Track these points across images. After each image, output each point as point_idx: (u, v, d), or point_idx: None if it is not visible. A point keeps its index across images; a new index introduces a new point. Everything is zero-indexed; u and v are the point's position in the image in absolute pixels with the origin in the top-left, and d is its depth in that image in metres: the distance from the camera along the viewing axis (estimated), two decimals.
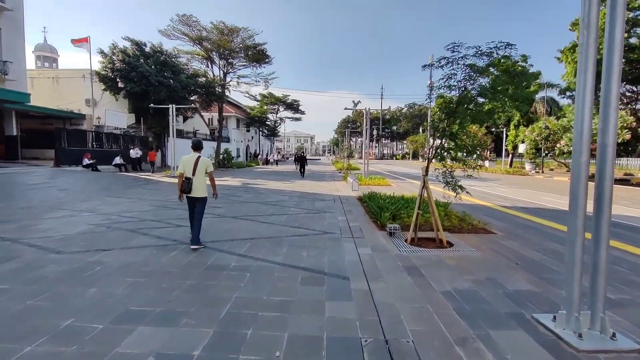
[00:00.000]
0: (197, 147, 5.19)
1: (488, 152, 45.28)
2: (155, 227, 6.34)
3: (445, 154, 5.60)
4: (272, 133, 56.08)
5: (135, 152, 21.28)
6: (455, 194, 5.45)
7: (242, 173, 23.04)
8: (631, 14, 23.60)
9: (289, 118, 58.85)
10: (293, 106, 55.48)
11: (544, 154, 24.51)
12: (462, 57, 4.91)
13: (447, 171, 5.54)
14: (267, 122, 54.35)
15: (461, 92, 5.23)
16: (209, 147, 27.60)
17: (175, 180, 6.40)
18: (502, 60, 5.26)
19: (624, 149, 28.30)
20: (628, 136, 18.39)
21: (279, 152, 53.33)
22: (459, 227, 6.61)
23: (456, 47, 4.78)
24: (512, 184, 17.40)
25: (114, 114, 22.42)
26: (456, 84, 5.14)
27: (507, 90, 5.31)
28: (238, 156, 44.83)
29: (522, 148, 30.56)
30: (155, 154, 26.43)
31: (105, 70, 22.58)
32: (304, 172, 19.40)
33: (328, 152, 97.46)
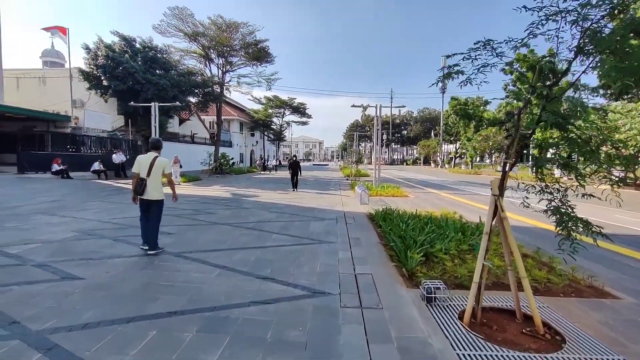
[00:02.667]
0: (155, 146, 4.91)
1: None
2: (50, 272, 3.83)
3: (553, 155, 2.97)
4: (278, 138, 53.79)
5: (118, 157, 19.06)
6: (572, 239, 2.76)
7: (238, 180, 20.60)
8: None
9: (295, 122, 56.56)
10: (299, 110, 53.18)
11: (582, 159, 21.35)
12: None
13: (554, 189, 2.89)
14: (272, 126, 52.16)
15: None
16: (203, 151, 25.34)
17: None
18: None
19: None
20: None
21: (275, 158, 50.44)
22: (544, 281, 3.90)
23: None
24: None
25: (95, 115, 20.32)
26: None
27: None
28: (241, 161, 42.61)
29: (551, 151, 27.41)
30: None
31: (89, 68, 20.61)
32: (297, 183, 14.40)
33: (337, 158, 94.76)
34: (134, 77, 19.89)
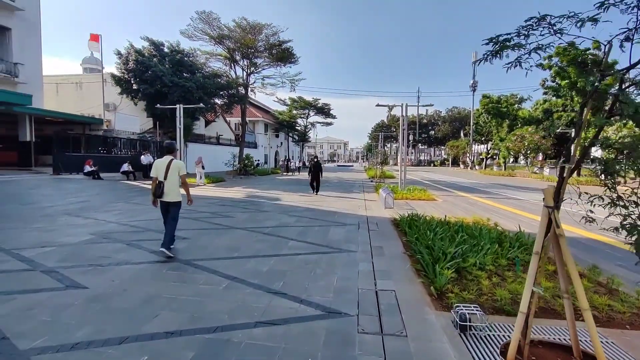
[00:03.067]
0: (169, 149, 5.01)
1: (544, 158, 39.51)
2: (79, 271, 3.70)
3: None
4: (303, 138, 53.81)
5: (146, 159, 19.55)
6: None
7: (260, 182, 20.57)
8: None
9: (319, 123, 56.38)
10: (324, 110, 52.94)
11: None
12: None
13: (630, 202, 2.31)
14: (296, 127, 52.27)
15: None
16: (228, 152, 25.63)
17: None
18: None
19: None
20: None
21: (298, 159, 49.55)
22: (605, 309, 3.25)
23: None
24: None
25: (125, 118, 21.03)
26: None
27: None
28: (265, 162, 42.94)
29: (598, 152, 25.27)
30: None
31: (121, 72, 21.41)
32: (318, 187, 13.35)
33: (362, 158, 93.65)
34: (161, 80, 20.41)
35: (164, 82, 20.34)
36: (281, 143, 54.36)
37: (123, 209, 9.05)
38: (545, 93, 32.88)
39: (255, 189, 15.36)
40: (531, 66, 2.53)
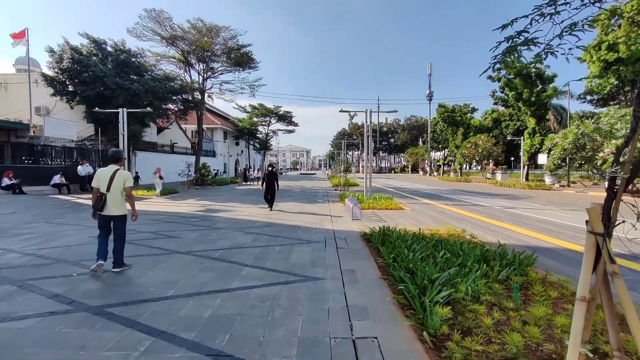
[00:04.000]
0: (115, 158, 4.66)
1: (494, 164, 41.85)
2: None
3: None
4: (264, 146, 52.35)
5: (84, 169, 17.29)
6: None
7: (217, 193, 19.07)
8: None
9: (281, 130, 55.37)
10: (286, 118, 52.07)
11: (576, 165, 20.85)
12: None
13: None
14: (257, 135, 50.74)
15: None
16: (183, 161, 23.69)
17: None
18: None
19: None
20: None
21: (256, 168, 47.24)
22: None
23: None
24: (555, 203, 13.59)
25: (58, 123, 18.51)
26: None
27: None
28: (224, 172, 40.89)
29: (543, 158, 26.94)
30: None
31: (55, 72, 18.87)
32: (272, 201, 11.32)
33: (324, 166, 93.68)
34: (102, 82, 18.29)
35: (106, 83, 18.23)
36: (242, 151, 52.45)
37: (38, 231, 7.39)
38: (495, 103, 34.81)
39: (211, 202, 13.96)
40: (570, 49, 1.89)
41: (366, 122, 13.88)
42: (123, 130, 14.54)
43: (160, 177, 17.27)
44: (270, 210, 11.05)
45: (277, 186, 11.52)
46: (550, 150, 20.44)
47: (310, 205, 12.84)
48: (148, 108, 16.63)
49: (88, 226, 7.93)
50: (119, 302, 3.55)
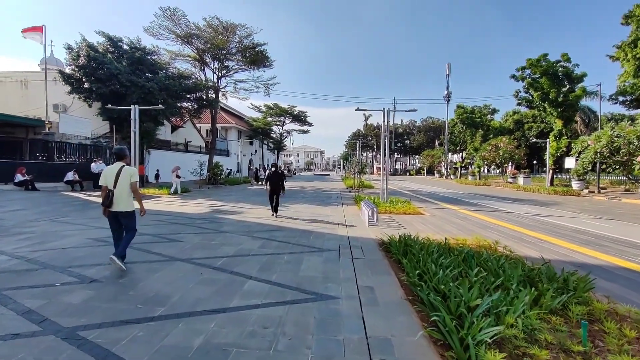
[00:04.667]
0: (119, 156, 4.69)
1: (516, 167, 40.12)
2: None
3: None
4: (278, 146, 52.16)
5: (97, 166, 17.21)
6: None
7: (229, 193, 18.72)
8: None
9: (295, 131, 55.17)
10: (300, 118, 51.81)
11: (608, 170, 19.46)
12: None
13: None
14: (272, 135, 50.59)
15: None
16: (197, 160, 23.49)
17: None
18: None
19: None
20: None
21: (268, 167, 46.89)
22: None
23: None
24: (588, 211, 12.49)
25: (72, 120, 18.56)
26: None
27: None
28: (238, 171, 40.78)
29: (570, 162, 25.43)
30: (143, 167, 22.49)
31: (71, 69, 18.98)
32: (277, 206, 9.88)
33: (338, 167, 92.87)
34: (117, 79, 18.24)
35: (121, 81, 18.17)
36: (255, 151, 52.39)
37: (40, 230, 7.06)
38: (518, 104, 33.26)
39: (221, 202, 13.55)
40: None
41: (383, 121, 13.17)
42: (135, 128, 14.35)
43: (178, 176, 17.46)
44: (276, 216, 9.72)
45: (284, 189, 10.04)
46: (580, 153, 19.10)
47: (324, 207, 12.23)
48: (160, 105, 16.33)
49: (92, 226, 7.58)
50: (97, 322, 3.03)
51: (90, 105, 20.28)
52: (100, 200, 4.65)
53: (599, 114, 37.15)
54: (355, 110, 14.30)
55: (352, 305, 3.58)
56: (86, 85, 18.60)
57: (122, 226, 4.62)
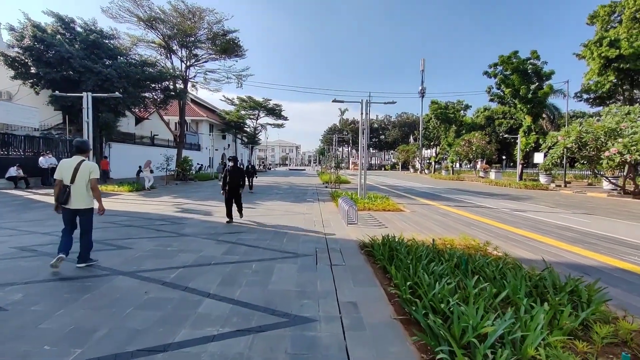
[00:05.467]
0: (80, 149, 4.38)
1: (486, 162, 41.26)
2: None
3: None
4: (252, 141, 50.56)
5: (46, 161, 15.49)
6: None
7: (198, 189, 17.51)
8: None
9: (270, 124, 53.71)
10: (275, 111, 50.41)
11: (576, 164, 20.03)
12: None
13: None
14: (245, 129, 48.92)
15: None
16: (163, 154, 21.90)
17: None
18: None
19: None
20: None
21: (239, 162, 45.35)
22: None
23: None
24: (562, 205, 12.59)
25: (15, 109, 16.59)
26: None
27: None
28: (209, 166, 39.08)
29: (538, 157, 26.21)
30: (107, 162, 20.77)
31: (16, 52, 16.87)
32: (240, 208, 8.28)
33: (314, 162, 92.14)
34: (69, 64, 16.44)
35: (73, 66, 16.38)
36: (228, 145, 50.57)
37: None
38: (491, 100, 33.92)
39: (188, 199, 12.45)
40: None
41: (362, 113, 12.56)
42: (88, 118, 12.86)
43: (151, 171, 16.84)
44: (241, 216, 8.27)
45: (247, 184, 7.29)
46: (550, 148, 19.54)
47: (299, 205, 11.48)
48: (117, 93, 14.82)
49: (23, 231, 6.41)
50: None
51: (37, 93, 18.20)
52: (53, 196, 4.29)
53: (565, 110, 38.75)
54: (332, 101, 13.60)
55: (332, 330, 2.89)
56: (33, 70, 16.64)
57: (77, 225, 4.33)
